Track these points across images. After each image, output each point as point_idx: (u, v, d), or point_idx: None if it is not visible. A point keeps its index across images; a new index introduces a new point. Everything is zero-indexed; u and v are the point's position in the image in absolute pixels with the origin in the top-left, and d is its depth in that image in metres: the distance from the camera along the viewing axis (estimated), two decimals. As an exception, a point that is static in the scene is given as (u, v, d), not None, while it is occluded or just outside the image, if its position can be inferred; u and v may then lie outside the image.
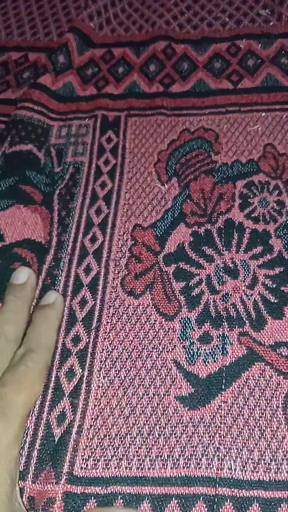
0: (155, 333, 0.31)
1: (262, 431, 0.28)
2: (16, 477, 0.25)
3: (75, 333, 0.31)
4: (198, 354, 0.30)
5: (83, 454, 0.27)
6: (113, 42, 0.49)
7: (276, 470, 0.26)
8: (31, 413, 0.29)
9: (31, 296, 0.32)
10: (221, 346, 0.31)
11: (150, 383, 0.29)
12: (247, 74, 0.45)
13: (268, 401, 0.28)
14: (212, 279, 0.33)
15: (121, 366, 0.30)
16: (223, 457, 0.27)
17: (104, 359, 0.30)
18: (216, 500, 0.26)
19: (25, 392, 0.26)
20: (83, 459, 0.27)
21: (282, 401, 0.28)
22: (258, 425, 0.28)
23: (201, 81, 0.45)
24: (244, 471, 0.26)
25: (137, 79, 0.45)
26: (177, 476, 0.27)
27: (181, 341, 0.31)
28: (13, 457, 0.24)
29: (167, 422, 0.28)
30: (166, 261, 0.34)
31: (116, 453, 0.27)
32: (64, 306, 0.32)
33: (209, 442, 0.27)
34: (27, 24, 0.53)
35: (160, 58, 0.47)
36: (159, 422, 0.28)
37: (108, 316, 0.32)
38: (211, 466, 0.27)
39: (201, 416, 0.28)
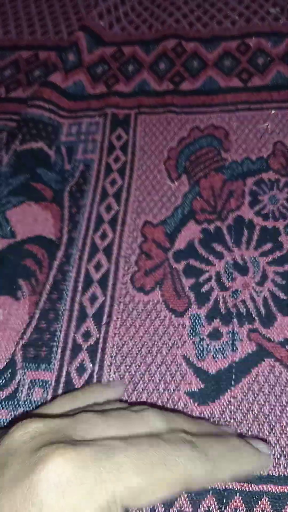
0: (165, 329, 0.32)
1: (271, 427, 0.28)
2: None
3: (86, 329, 0.32)
4: (208, 350, 0.31)
5: (94, 448, 0.27)
6: (123, 41, 0.49)
7: (286, 465, 0.26)
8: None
9: None
10: (231, 342, 0.31)
11: (160, 378, 0.30)
12: (257, 72, 0.45)
13: (277, 397, 0.29)
14: (222, 275, 0.33)
15: (131, 362, 0.30)
16: (232, 452, 0.27)
17: (115, 355, 0.31)
18: (225, 494, 0.26)
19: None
20: (93, 453, 0.27)
21: (292, 397, 0.28)
22: (267, 420, 0.28)
23: (211, 79, 0.45)
24: (253, 466, 0.27)
25: (147, 77, 0.46)
26: (187, 470, 0.27)
27: (191, 337, 0.31)
28: None
29: (177, 417, 0.28)
30: (176, 258, 0.35)
31: (127, 447, 0.27)
32: None
33: (218, 437, 0.28)
34: (37, 23, 0.53)
35: (170, 56, 0.47)
36: (169, 417, 0.28)
37: (119, 312, 0.32)
38: (221, 460, 0.27)
39: (211, 412, 0.28)
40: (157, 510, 0.26)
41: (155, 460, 0.19)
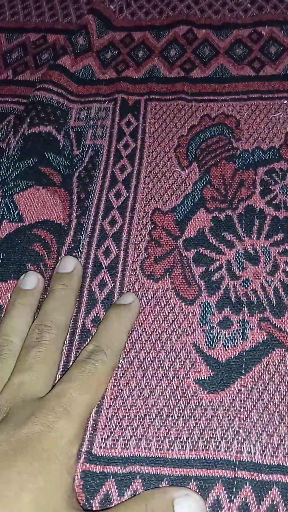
0: (175, 317, 0.31)
1: (282, 416, 0.27)
2: (75, 475, 0.25)
3: (95, 314, 0.31)
4: (218, 338, 0.30)
5: (102, 434, 0.27)
6: (133, 26, 0.48)
7: (296, 455, 0.26)
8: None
9: (78, 285, 0.32)
10: (241, 331, 0.30)
11: (169, 365, 0.29)
12: (269, 61, 0.44)
13: (288, 387, 0.28)
14: (233, 264, 0.33)
15: (141, 348, 0.30)
16: (242, 441, 0.27)
17: (124, 341, 0.30)
18: (235, 483, 0.26)
19: (90, 392, 0.26)
20: (102, 439, 0.27)
21: (302, 388, 0.28)
22: (278, 410, 0.28)
23: (222, 67, 0.44)
24: (263, 455, 0.26)
25: (157, 63, 0.45)
26: (196, 458, 0.27)
27: (201, 325, 0.31)
28: (73, 455, 0.24)
29: (186, 404, 0.28)
30: (186, 245, 0.34)
31: (135, 434, 0.27)
32: (139, 310, 0.31)
33: (228, 425, 0.27)
34: (45, 5, 0.52)
35: (181, 42, 0.46)
36: (178, 404, 0.28)
37: (128, 299, 0.32)
38: (230, 449, 0.27)
39: (221, 400, 0.28)
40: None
41: (88, 377, 0.26)
